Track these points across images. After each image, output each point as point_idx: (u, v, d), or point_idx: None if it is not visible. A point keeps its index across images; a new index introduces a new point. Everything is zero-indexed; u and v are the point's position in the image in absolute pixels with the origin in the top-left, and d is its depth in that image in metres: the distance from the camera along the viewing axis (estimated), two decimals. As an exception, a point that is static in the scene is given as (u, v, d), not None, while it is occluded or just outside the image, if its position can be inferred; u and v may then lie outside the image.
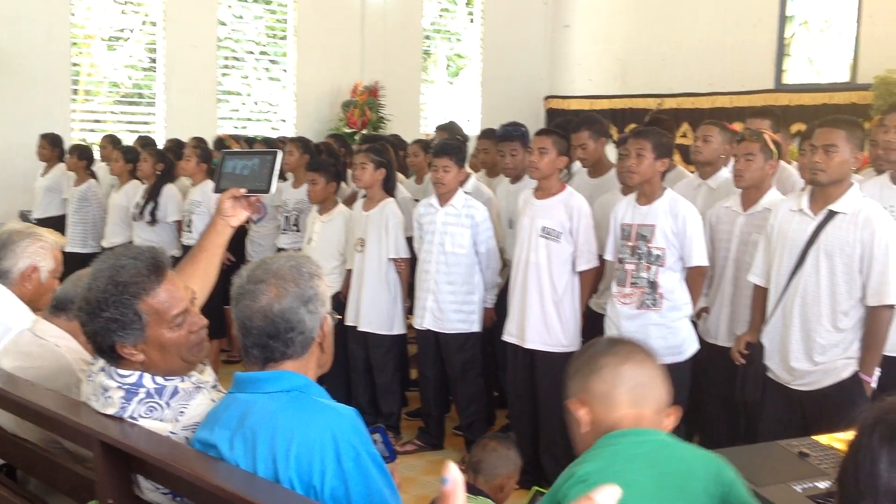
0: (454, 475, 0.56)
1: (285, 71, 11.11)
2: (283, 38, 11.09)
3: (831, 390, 3.72)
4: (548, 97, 13.08)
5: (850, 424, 1.41)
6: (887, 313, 3.71)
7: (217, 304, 7.32)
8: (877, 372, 3.71)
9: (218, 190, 2.60)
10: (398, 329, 5.71)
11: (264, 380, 2.01)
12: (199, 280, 2.39)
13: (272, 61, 11.14)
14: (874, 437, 1.33)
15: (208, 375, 2.25)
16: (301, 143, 7.36)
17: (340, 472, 1.87)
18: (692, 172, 5.49)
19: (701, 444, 4.67)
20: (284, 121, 11.10)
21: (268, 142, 8.00)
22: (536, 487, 3.16)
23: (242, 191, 2.53)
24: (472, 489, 3.40)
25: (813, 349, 3.79)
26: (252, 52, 11.01)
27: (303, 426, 1.91)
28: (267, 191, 2.54)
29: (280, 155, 2.57)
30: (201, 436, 2.03)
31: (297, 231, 6.68)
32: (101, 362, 2.18)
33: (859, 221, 3.70)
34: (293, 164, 7.03)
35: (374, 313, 5.62)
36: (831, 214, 3.76)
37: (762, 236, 4.12)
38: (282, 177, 7.31)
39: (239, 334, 2.04)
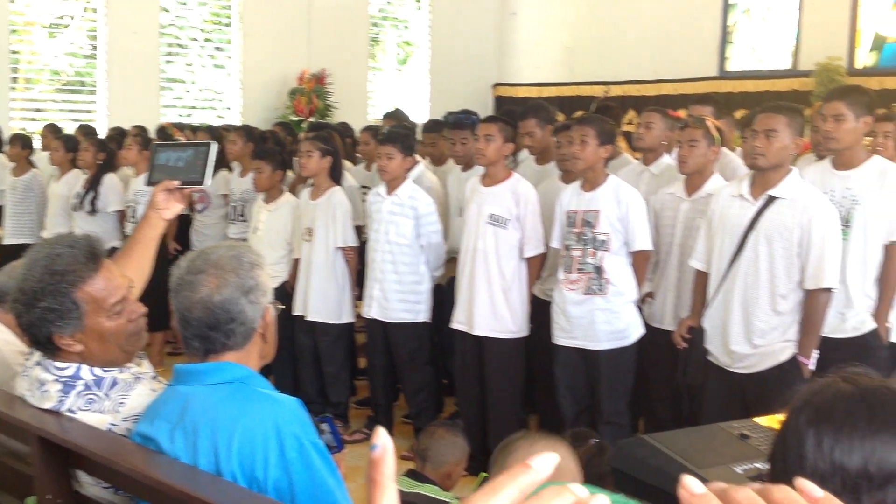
0: (383, 441, 0.55)
1: (230, 58, 10.97)
2: (228, 24, 10.95)
3: (770, 373, 3.79)
4: (496, 84, 13.09)
5: (785, 406, 1.43)
6: (824, 296, 3.78)
7: (161, 296, 7.22)
8: (815, 354, 3.78)
9: (150, 182, 2.56)
10: (346, 318, 5.69)
11: (205, 371, 1.99)
12: (133, 273, 2.36)
13: (217, 48, 11.00)
14: (801, 418, 1.35)
15: (146, 367, 2.22)
16: (246, 131, 7.29)
17: (283, 463, 1.86)
18: (637, 159, 5.54)
19: (645, 428, 4.78)
20: (230, 109, 10.97)
21: (212, 130, 7.89)
22: (484, 473, 3.17)
23: (176, 183, 2.49)
24: (419, 477, 3.41)
25: (752, 332, 3.85)
26: (196, 39, 10.86)
27: (245, 418, 1.89)
28: (201, 182, 2.50)
29: (215, 146, 2.54)
30: (141, 429, 2.00)
31: (245, 221, 6.61)
32: (36, 356, 2.14)
33: (798, 206, 3.76)
34: (238, 152, 6.97)
35: (322, 302, 5.60)
36: (771, 199, 3.82)
37: (703, 221, 4.18)
38: (227, 166, 7.24)
39: (179, 326, 2.02)
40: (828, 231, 3.74)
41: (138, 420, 2.05)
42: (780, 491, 0.54)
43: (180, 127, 8.77)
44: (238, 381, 1.97)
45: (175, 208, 2.52)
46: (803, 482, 0.55)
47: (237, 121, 10.31)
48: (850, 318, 3.99)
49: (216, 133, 7.69)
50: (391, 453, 0.56)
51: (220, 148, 7.24)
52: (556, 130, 5.20)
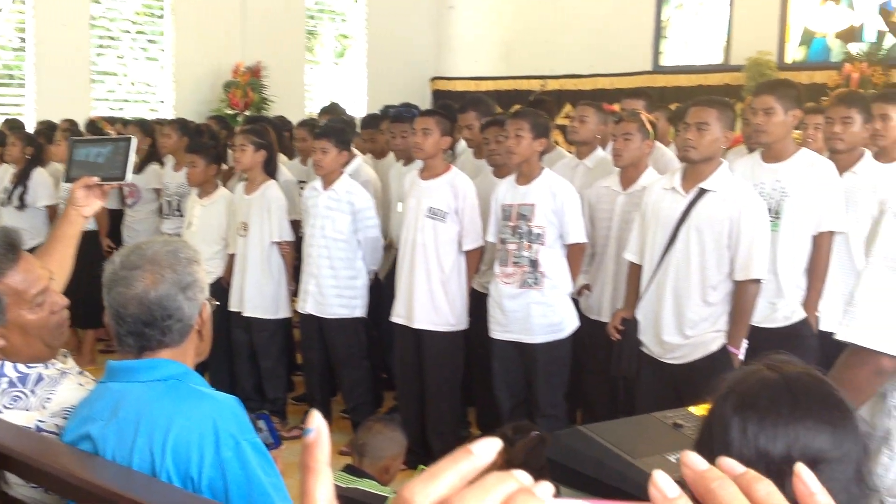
0: (317, 425, 0.54)
1: (163, 51, 10.79)
2: (161, 16, 10.76)
3: (701, 363, 3.85)
4: (434, 78, 13.09)
5: (710, 395, 1.45)
6: (753, 287, 3.85)
7: (92, 292, 7.09)
8: (744, 344, 3.86)
9: (68, 179, 2.51)
10: (283, 313, 5.64)
11: (139, 368, 1.95)
12: (54, 271, 2.30)
13: (150, 41, 10.80)
14: (727, 406, 1.37)
15: (70, 363, 2.18)
16: (181, 124, 7.18)
17: (218, 462, 1.83)
18: (570, 153, 5.59)
19: (583, 419, 4.82)
20: (163, 102, 10.79)
21: (143, 124, 7.75)
22: (422, 466, 3.18)
23: (95, 179, 2.44)
24: (357, 472, 3.40)
25: (684, 323, 3.91)
26: (128, 31, 10.65)
27: (181, 416, 1.86)
28: (122, 178, 2.46)
29: (135, 141, 2.50)
30: (72, 427, 1.96)
31: (181, 216, 6.51)
32: (-44, 356, 2.08)
33: (728, 199, 3.83)
34: (173, 146, 6.86)
35: (259, 298, 5.54)
36: (702, 192, 3.88)
37: (637, 214, 4.24)
38: (159, 160, 7.14)
39: (112, 322, 1.96)
40: (756, 223, 3.81)
41: (68, 417, 2.00)
42: (764, 485, 0.54)
43: (111, 121, 8.59)
44: (174, 379, 1.93)
45: (94, 205, 2.46)
46: (725, 460, 0.55)
47: (170, 114, 10.14)
48: (782, 307, 4.07)
49: (147, 127, 7.56)
50: (326, 437, 0.54)
51: (153, 142, 7.22)
52: (484, 126, 5.21)
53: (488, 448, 0.51)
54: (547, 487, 0.49)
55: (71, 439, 1.95)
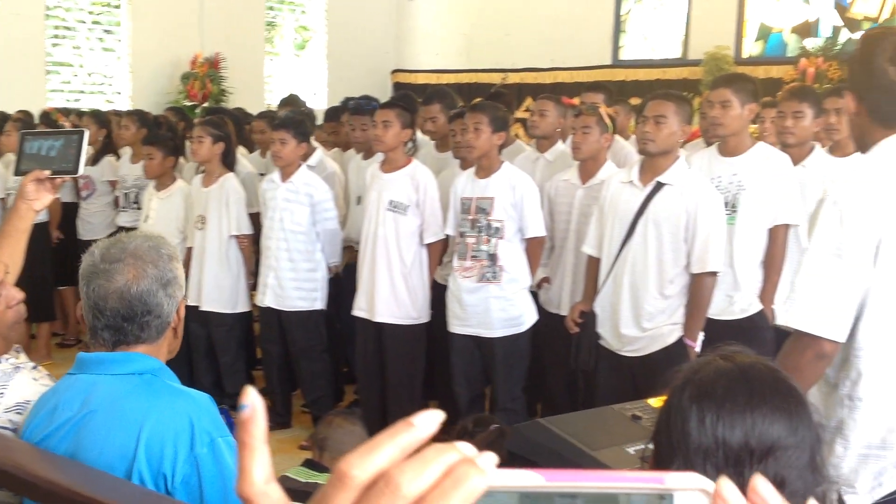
0: (252, 401, 0.52)
1: (120, 41, 10.63)
2: (118, 6, 10.61)
3: (658, 355, 3.88)
4: (394, 71, 13.06)
5: (667, 387, 1.46)
6: (709, 280, 3.88)
7: (46, 286, 6.99)
8: (700, 336, 3.90)
9: (18, 172, 2.46)
10: (242, 307, 5.59)
11: (113, 361, 1.91)
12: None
13: (106, 31, 10.65)
14: (684, 396, 1.38)
15: (23, 358, 2.14)
16: (138, 116, 7.09)
17: (193, 459, 1.82)
18: (530, 146, 5.59)
19: (543, 412, 4.84)
20: (120, 93, 10.65)
21: (98, 115, 7.64)
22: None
23: (46, 173, 2.40)
24: (317, 467, 3.39)
25: (641, 316, 3.94)
26: (84, 22, 10.48)
27: (155, 411, 1.83)
28: (74, 172, 2.42)
29: (87, 134, 2.46)
30: (34, 421, 1.92)
31: (138, 208, 6.43)
32: None
33: (685, 192, 3.86)
34: (130, 138, 6.78)
35: (217, 292, 5.49)
36: (659, 186, 3.91)
37: (595, 207, 4.26)
38: (115, 152, 7.05)
39: (88, 315, 1.93)
40: (713, 217, 3.85)
41: (22, 412, 1.97)
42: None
43: (65, 112, 8.45)
44: (148, 373, 1.91)
45: (45, 199, 2.42)
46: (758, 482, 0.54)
47: (127, 106, 10.02)
48: (738, 300, 4.11)
49: (103, 118, 7.45)
50: (262, 414, 0.52)
51: (108, 133, 7.12)
52: (451, 118, 5.20)
53: (429, 420, 0.50)
54: (490, 457, 0.48)
55: (37, 433, 1.91)
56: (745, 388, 1.36)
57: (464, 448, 0.49)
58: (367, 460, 0.48)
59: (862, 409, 2.23)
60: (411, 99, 6.16)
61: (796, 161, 4.36)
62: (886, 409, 2.22)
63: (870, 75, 2.26)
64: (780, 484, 1.32)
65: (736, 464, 1.33)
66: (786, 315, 2.24)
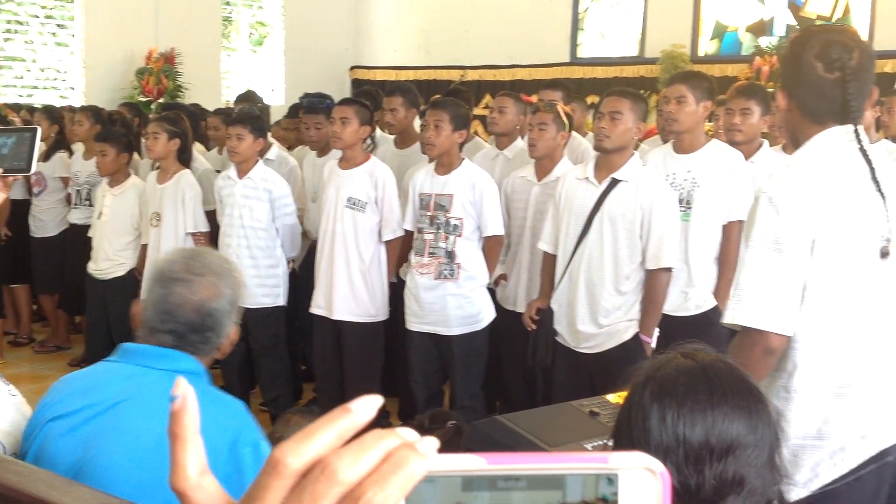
0: (183, 391, 0.51)
1: (73, 36, 10.47)
2: (71, 0, 10.45)
3: (615, 352, 3.90)
4: (353, 67, 13.01)
5: (627, 383, 1.47)
6: (664, 276, 3.91)
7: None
8: (656, 332, 3.93)
9: None
10: (198, 305, 5.52)
11: (163, 356, 1.96)
12: None
13: (59, 25, 10.47)
14: (645, 393, 1.39)
15: None
16: (92, 112, 6.98)
17: (235, 458, 1.86)
18: (488, 143, 5.60)
19: (501, 409, 4.85)
20: (73, 89, 10.48)
21: (50, 111, 7.51)
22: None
23: None
24: (274, 465, 3.36)
25: (598, 312, 3.95)
26: (37, 16, 10.30)
27: (203, 408, 1.83)
28: (27, 170, 2.37)
29: (39, 131, 2.42)
30: (57, 398, 1.93)
31: (90, 206, 6.34)
32: None
33: (640, 189, 3.88)
34: (84, 134, 6.68)
35: (173, 290, 5.41)
36: (614, 182, 3.93)
37: (550, 204, 4.27)
38: (67, 148, 6.94)
39: (153, 315, 1.99)
40: (667, 213, 3.88)
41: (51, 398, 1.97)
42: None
43: (15, 108, 8.28)
44: (194, 374, 1.96)
45: None
46: None
47: (81, 101, 9.87)
48: (693, 296, 4.15)
49: (55, 114, 7.33)
50: (194, 404, 0.51)
51: (61, 129, 7.01)
52: (423, 113, 5.17)
53: (368, 405, 0.49)
54: (431, 442, 0.47)
55: (58, 409, 1.92)
56: (706, 386, 1.37)
57: (405, 433, 0.48)
58: (302, 447, 0.47)
59: (797, 400, 2.26)
60: (374, 95, 6.13)
61: (745, 158, 4.41)
62: (821, 401, 2.25)
63: (798, 72, 2.30)
64: (739, 482, 1.33)
65: (696, 462, 1.33)
66: (731, 313, 2.26)
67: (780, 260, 2.20)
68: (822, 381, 2.25)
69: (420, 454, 0.46)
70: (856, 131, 2.27)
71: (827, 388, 2.25)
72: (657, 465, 0.48)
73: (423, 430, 3.09)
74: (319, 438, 0.47)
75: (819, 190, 2.23)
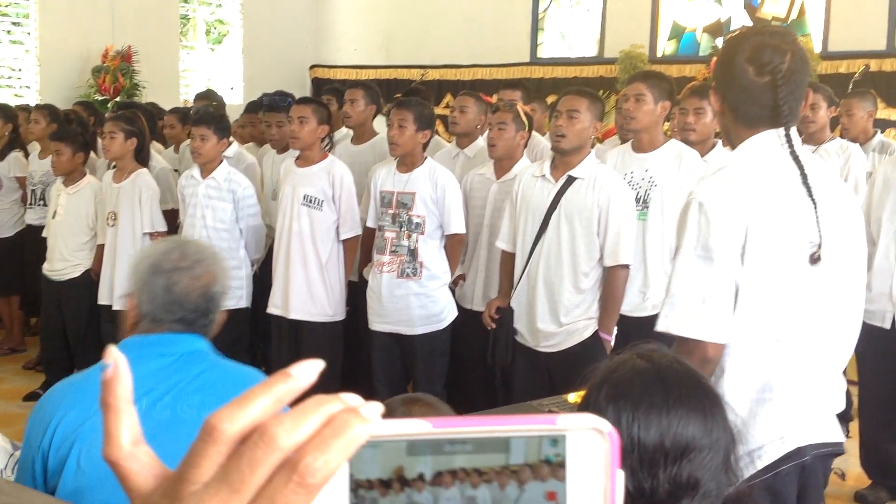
0: (114, 359, 0.49)
1: (28, 34, 10.30)
2: (25, -3, 10.28)
3: (575, 350, 3.91)
4: (313, 66, 12.93)
5: (584, 384, 1.46)
6: (622, 273, 3.93)
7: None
8: (615, 330, 3.95)
9: None
10: (157, 306, 5.44)
11: (176, 341, 1.99)
12: None
13: (14, 23, 10.29)
14: (601, 395, 1.38)
15: None
16: (48, 110, 6.87)
17: None
18: (449, 143, 5.60)
19: (461, 411, 4.84)
20: (28, 87, 10.31)
21: (4, 109, 7.38)
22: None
23: None
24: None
25: (558, 311, 3.96)
26: (-10, 13, 10.13)
27: (241, 377, 2.04)
28: None
29: None
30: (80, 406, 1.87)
31: (45, 205, 6.24)
32: None
33: (596, 186, 3.90)
34: (39, 133, 6.58)
35: (130, 291, 5.34)
36: (571, 180, 3.95)
37: (507, 202, 4.28)
38: (23, 148, 6.84)
39: (158, 304, 2.00)
40: (623, 210, 3.90)
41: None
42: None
43: (-31, 107, 8.14)
44: (206, 352, 2.04)
45: None
46: None
47: (36, 100, 9.71)
48: (650, 296, 4.17)
49: (9, 113, 7.20)
50: (126, 373, 0.49)
51: (16, 128, 6.89)
52: (387, 113, 5.15)
53: (308, 370, 0.48)
54: (375, 407, 0.47)
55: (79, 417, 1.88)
56: (662, 388, 1.37)
57: (348, 398, 0.47)
58: (238, 413, 0.46)
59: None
60: (337, 90, 6.09)
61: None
62: (744, 406, 2.23)
63: (731, 75, 2.28)
64: (693, 485, 1.33)
65: (651, 465, 1.33)
66: (665, 321, 2.24)
67: (710, 268, 2.18)
68: (747, 386, 2.24)
69: (363, 418, 0.45)
70: (787, 135, 2.24)
71: (751, 393, 2.24)
72: (605, 426, 0.47)
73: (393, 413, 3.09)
74: (257, 404, 0.46)
75: (749, 195, 2.21)
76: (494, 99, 5.58)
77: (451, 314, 4.59)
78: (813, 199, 2.21)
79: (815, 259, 2.20)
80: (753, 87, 2.25)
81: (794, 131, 2.28)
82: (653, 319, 4.08)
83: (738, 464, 1.39)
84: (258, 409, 0.46)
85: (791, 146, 2.25)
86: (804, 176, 2.22)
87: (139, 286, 2.03)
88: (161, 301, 2.00)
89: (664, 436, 1.33)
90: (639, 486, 1.32)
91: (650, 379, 1.38)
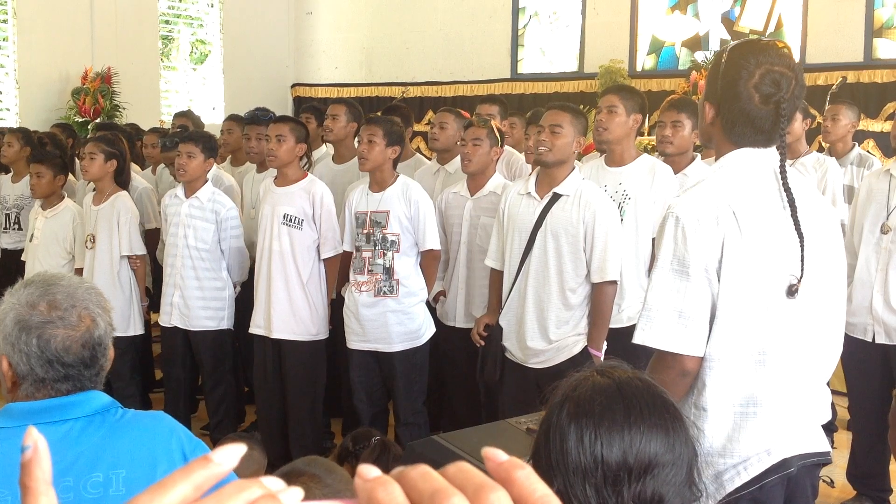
0: (34, 440, 0.48)
1: (7, 56, 10.27)
2: (4, 21, 10.24)
3: (564, 366, 3.88)
4: (294, 84, 12.95)
5: (543, 403, 1.45)
6: (610, 289, 3.93)
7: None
8: (604, 346, 3.94)
9: None
10: (135, 330, 5.38)
11: (72, 404, 1.78)
12: None
13: (-8, 46, 10.28)
14: (563, 414, 1.38)
15: None
16: (22, 133, 6.84)
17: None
18: (429, 159, 5.60)
19: (445, 427, 4.83)
20: (8, 109, 10.27)
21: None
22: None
23: None
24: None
25: (547, 327, 3.94)
26: (-32, 36, 10.10)
27: (140, 433, 1.82)
28: None
29: None
30: None
31: (20, 230, 6.20)
32: None
33: (581, 203, 3.90)
34: (13, 156, 6.55)
35: (108, 314, 5.29)
36: (556, 197, 3.95)
37: (494, 220, 4.27)
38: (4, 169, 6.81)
39: (35, 366, 1.76)
40: (609, 226, 3.90)
41: None
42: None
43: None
44: (113, 407, 1.84)
45: None
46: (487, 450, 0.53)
47: (15, 122, 9.68)
48: (625, 308, 4.17)
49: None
50: (46, 454, 0.49)
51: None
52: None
53: (230, 455, 0.47)
54: (295, 493, 0.46)
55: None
56: (623, 405, 1.36)
57: (269, 482, 0.46)
58: (156, 500, 0.45)
59: (706, 418, 2.25)
60: (318, 109, 6.09)
61: (677, 170, 4.47)
62: (728, 419, 2.24)
63: (733, 95, 2.27)
64: (658, 501, 1.32)
65: (615, 483, 1.32)
66: (641, 334, 2.24)
67: (686, 283, 2.18)
68: (730, 399, 2.24)
69: None
70: (782, 169, 2.24)
71: (735, 406, 2.24)
72: None
73: (349, 454, 3.05)
74: (176, 491, 0.45)
75: (727, 211, 2.20)
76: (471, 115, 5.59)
77: (429, 331, 4.58)
78: (800, 234, 2.20)
79: (792, 291, 2.21)
80: (756, 113, 2.25)
81: (787, 163, 2.28)
82: (628, 330, 4.08)
83: (700, 478, 1.39)
84: (177, 496, 0.45)
85: (784, 179, 2.24)
86: (794, 209, 2.21)
87: (8, 347, 1.77)
88: (37, 361, 1.76)
89: (627, 453, 1.32)
90: None
91: (611, 396, 1.37)
